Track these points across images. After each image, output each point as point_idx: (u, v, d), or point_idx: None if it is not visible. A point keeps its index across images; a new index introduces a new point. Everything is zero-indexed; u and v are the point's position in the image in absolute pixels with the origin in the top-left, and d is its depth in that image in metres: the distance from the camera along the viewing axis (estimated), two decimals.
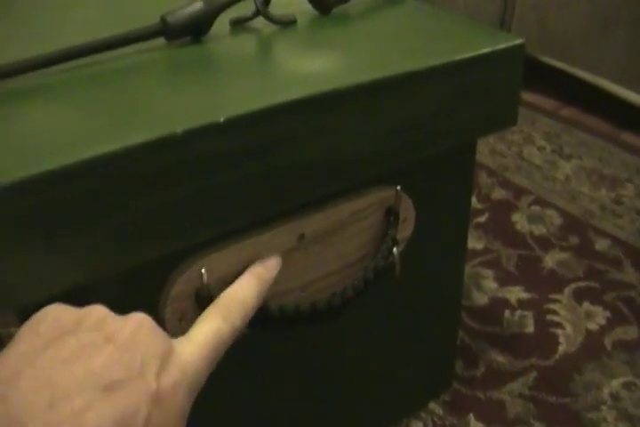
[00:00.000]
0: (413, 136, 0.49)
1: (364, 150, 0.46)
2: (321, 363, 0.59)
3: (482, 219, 1.03)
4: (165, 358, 0.30)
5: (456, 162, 0.57)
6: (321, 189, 0.45)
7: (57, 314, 0.30)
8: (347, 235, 0.50)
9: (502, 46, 0.51)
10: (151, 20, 0.50)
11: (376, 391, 0.67)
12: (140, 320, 0.31)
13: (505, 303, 0.87)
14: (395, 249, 0.52)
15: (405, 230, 0.54)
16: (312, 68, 0.46)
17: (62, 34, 0.51)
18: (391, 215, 0.52)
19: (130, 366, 0.28)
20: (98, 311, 0.31)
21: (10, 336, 0.42)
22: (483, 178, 1.14)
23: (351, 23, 0.54)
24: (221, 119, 0.38)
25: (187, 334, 0.34)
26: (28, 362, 0.27)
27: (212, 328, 0.35)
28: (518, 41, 0.51)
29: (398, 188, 0.51)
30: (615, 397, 0.73)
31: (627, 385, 0.75)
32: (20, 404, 0.25)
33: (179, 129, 0.37)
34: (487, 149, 1.23)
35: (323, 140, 0.44)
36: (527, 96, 1.39)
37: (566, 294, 0.88)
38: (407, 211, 0.53)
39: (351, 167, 0.46)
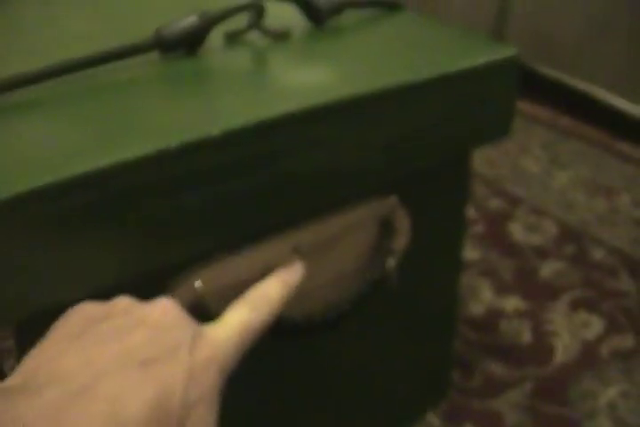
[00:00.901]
0: (409, 147, 0.49)
1: (359, 162, 0.46)
2: (318, 374, 0.59)
3: (478, 228, 1.03)
4: (197, 338, 0.31)
5: (451, 172, 0.57)
6: (317, 200, 0.46)
7: (84, 308, 0.31)
8: (343, 246, 0.51)
9: (497, 57, 0.51)
10: (146, 32, 0.50)
11: (373, 402, 0.67)
12: (166, 305, 0.32)
13: (501, 313, 0.87)
14: (391, 260, 0.52)
15: (401, 241, 0.54)
16: (307, 80, 0.46)
17: (56, 47, 0.51)
18: (387, 226, 0.52)
19: (163, 345, 0.29)
20: (124, 301, 0.32)
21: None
22: (479, 187, 1.14)
23: (346, 35, 0.54)
24: (216, 132, 0.39)
25: (216, 322, 0.34)
26: (64, 347, 0.28)
27: (241, 318, 0.35)
28: (513, 52, 0.52)
29: (394, 199, 0.51)
30: (612, 405, 0.73)
31: (623, 394, 0.75)
32: (62, 383, 0.26)
33: (173, 142, 0.38)
34: (483, 158, 1.23)
35: (318, 153, 0.44)
36: (523, 106, 1.40)
37: (562, 304, 0.88)
38: (403, 222, 0.53)
39: (347, 179, 0.46)
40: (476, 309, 0.87)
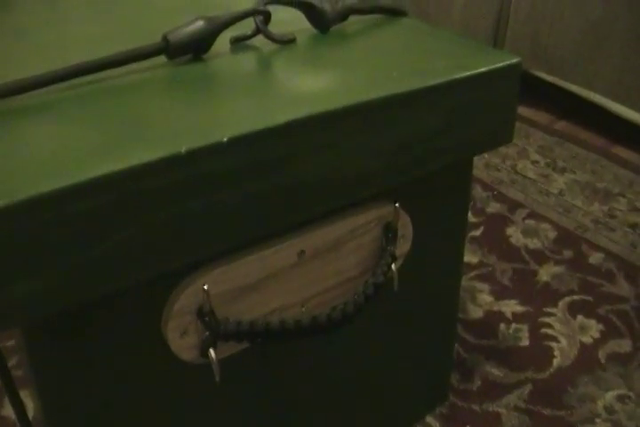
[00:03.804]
0: (412, 154, 0.49)
1: (364, 168, 0.47)
2: (318, 377, 0.59)
3: (477, 232, 1.04)
4: None
5: (453, 178, 0.58)
6: (322, 206, 0.46)
7: None
8: (346, 251, 0.51)
9: (500, 65, 0.51)
10: (152, 35, 0.51)
11: (372, 405, 0.67)
12: None
13: (500, 317, 0.87)
14: (393, 264, 0.53)
15: (403, 246, 0.55)
16: (312, 86, 0.47)
17: (64, 51, 0.52)
18: (389, 232, 0.52)
19: None
20: None
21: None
22: (477, 192, 1.15)
23: (350, 41, 0.55)
24: (225, 139, 0.39)
25: None
26: None
27: None
28: (515, 60, 0.52)
29: (396, 204, 0.52)
30: (609, 409, 0.74)
31: (620, 398, 0.76)
32: None
33: (183, 148, 0.38)
34: (482, 162, 1.24)
35: (324, 159, 0.44)
36: (521, 110, 1.41)
37: (561, 308, 0.89)
38: (405, 227, 0.54)
39: (351, 185, 0.47)
40: (476, 312, 0.88)
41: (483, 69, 0.51)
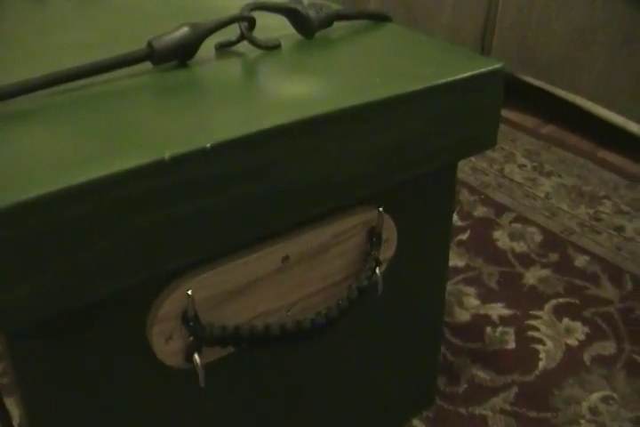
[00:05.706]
0: (396, 159, 0.50)
1: (348, 173, 0.47)
2: (304, 381, 0.60)
3: (464, 236, 1.04)
4: None
5: (437, 182, 0.58)
6: (306, 211, 0.46)
7: None
8: (330, 256, 0.52)
9: (483, 70, 0.52)
10: (138, 42, 0.51)
11: (358, 408, 0.67)
12: None
13: (487, 320, 0.88)
14: (377, 269, 0.53)
15: (388, 251, 0.55)
16: (297, 92, 0.47)
17: (49, 57, 0.52)
18: (374, 236, 0.53)
19: None
20: None
21: None
22: (464, 195, 1.15)
23: (335, 47, 0.55)
24: (208, 145, 0.39)
25: None
26: None
27: None
28: (498, 65, 0.53)
29: (380, 209, 0.52)
30: (594, 411, 0.75)
31: (605, 399, 0.76)
32: None
33: (167, 155, 0.38)
34: (469, 166, 1.25)
35: (308, 164, 0.45)
36: (508, 114, 1.42)
37: (546, 311, 0.89)
38: (389, 231, 0.54)
39: (336, 190, 0.47)
40: (462, 316, 0.88)
41: (466, 74, 0.51)
